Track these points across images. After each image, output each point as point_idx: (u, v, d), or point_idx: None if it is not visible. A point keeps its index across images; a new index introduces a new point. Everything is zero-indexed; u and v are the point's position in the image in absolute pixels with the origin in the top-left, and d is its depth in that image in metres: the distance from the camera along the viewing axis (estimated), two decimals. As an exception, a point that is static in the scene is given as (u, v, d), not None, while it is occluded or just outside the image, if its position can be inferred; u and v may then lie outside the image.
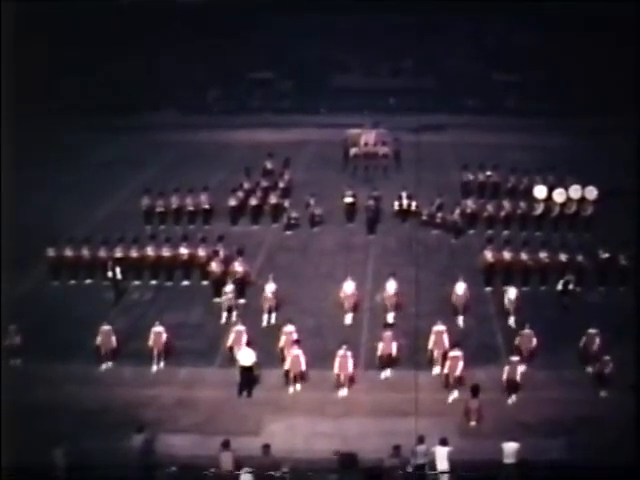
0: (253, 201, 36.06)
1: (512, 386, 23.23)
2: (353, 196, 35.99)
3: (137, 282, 30.89)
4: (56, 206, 38.33)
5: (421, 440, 19.99)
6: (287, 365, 24.03)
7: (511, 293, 27.38)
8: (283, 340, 24.85)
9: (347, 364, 23.69)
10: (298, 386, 24.06)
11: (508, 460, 20.19)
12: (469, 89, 58.84)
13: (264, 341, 25.61)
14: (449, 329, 25.08)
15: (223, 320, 27.73)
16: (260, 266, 31.95)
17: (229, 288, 27.97)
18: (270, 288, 27.84)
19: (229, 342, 25.14)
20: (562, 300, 27.89)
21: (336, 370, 23.71)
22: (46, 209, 37.89)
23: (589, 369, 23.90)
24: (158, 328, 25.42)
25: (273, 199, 36.24)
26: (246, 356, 24.09)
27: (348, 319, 27.86)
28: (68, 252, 30.97)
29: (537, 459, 20.39)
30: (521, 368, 23.41)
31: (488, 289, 29.44)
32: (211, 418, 23.16)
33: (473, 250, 32.05)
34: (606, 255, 29.43)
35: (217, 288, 29.13)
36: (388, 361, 24.63)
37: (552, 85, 57.37)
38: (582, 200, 34.27)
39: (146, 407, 23.62)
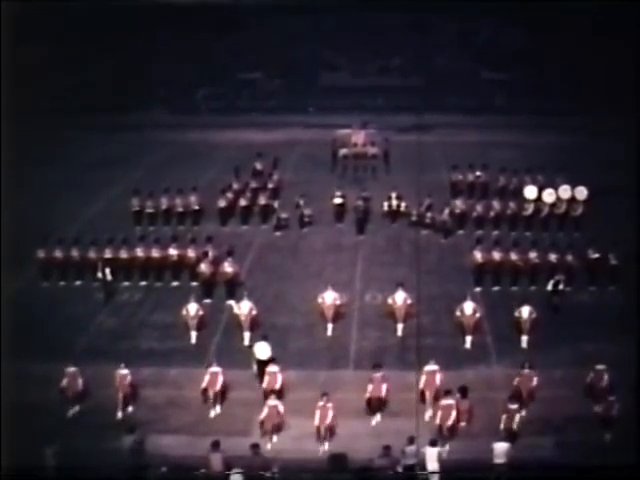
0: (242, 202, 36.00)
1: (510, 435, 21.35)
2: (342, 197, 35.88)
3: (127, 283, 30.82)
4: (45, 207, 38.04)
5: (411, 440, 19.95)
6: (262, 415, 22.16)
7: (524, 311, 25.93)
8: (266, 381, 23.36)
9: (327, 415, 22.03)
10: (275, 438, 22.27)
11: (498, 460, 20.23)
12: (458, 88, 58.62)
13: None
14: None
15: (193, 340, 26.75)
16: (250, 267, 31.95)
17: (192, 309, 26.77)
18: (245, 306, 26.58)
19: (204, 384, 23.55)
20: (552, 300, 27.85)
21: (317, 422, 21.97)
22: (35, 210, 37.58)
23: (596, 408, 22.15)
24: (123, 371, 23.55)
25: (262, 200, 36.12)
26: (262, 350, 24.12)
27: (329, 330, 27.14)
28: (58, 253, 30.90)
29: (527, 458, 20.49)
30: (519, 415, 21.69)
31: (477, 289, 29.44)
32: (201, 419, 23.17)
33: (462, 250, 32.02)
34: (596, 255, 29.42)
35: (207, 289, 29.25)
36: (378, 405, 22.99)
37: (541, 84, 57.21)
38: (572, 200, 34.22)
39: (137, 407, 23.62)
